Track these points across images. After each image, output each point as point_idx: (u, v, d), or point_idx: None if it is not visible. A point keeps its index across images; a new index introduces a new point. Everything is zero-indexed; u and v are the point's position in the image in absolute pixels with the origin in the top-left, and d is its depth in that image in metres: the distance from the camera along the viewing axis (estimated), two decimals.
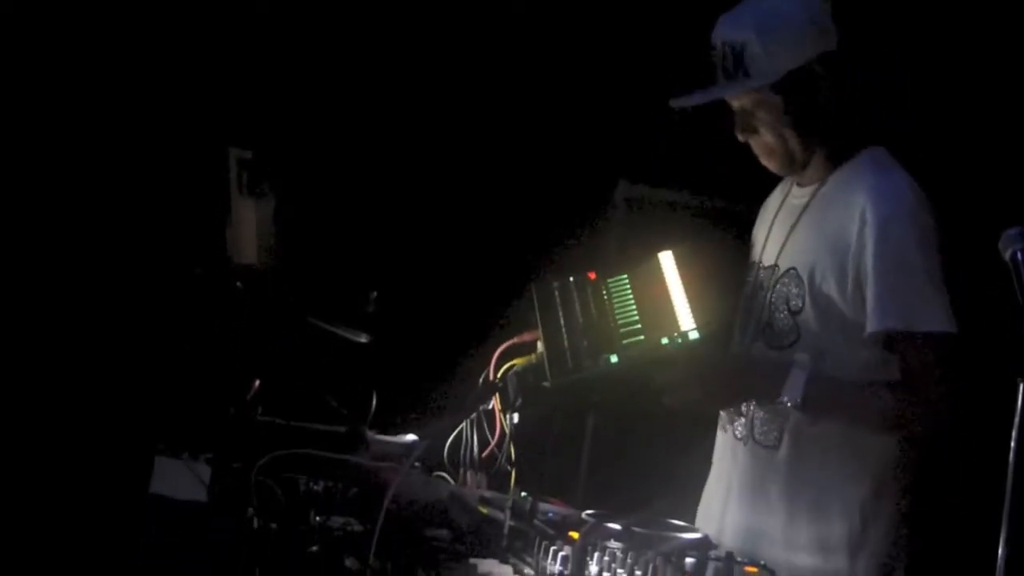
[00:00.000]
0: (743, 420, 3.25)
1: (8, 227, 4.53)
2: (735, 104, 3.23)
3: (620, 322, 3.10)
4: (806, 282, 3.13)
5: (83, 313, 4.56)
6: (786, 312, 3.16)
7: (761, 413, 3.19)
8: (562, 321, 3.17)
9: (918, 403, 3.00)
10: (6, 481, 4.20)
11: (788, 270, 3.20)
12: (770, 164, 3.28)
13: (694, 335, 2.99)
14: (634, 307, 3.12)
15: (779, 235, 3.29)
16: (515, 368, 3.15)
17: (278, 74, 4.88)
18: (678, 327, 3.00)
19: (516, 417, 3.14)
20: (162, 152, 4.74)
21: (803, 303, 3.13)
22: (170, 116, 4.75)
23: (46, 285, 4.56)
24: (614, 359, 3.03)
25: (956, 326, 3.00)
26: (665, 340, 3.00)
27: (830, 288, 3.09)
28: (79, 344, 4.52)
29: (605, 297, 3.18)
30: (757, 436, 3.20)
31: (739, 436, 3.26)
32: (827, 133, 3.20)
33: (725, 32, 3.17)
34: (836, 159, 3.20)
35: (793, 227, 3.25)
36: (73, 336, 4.54)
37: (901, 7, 4.44)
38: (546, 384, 3.06)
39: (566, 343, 3.11)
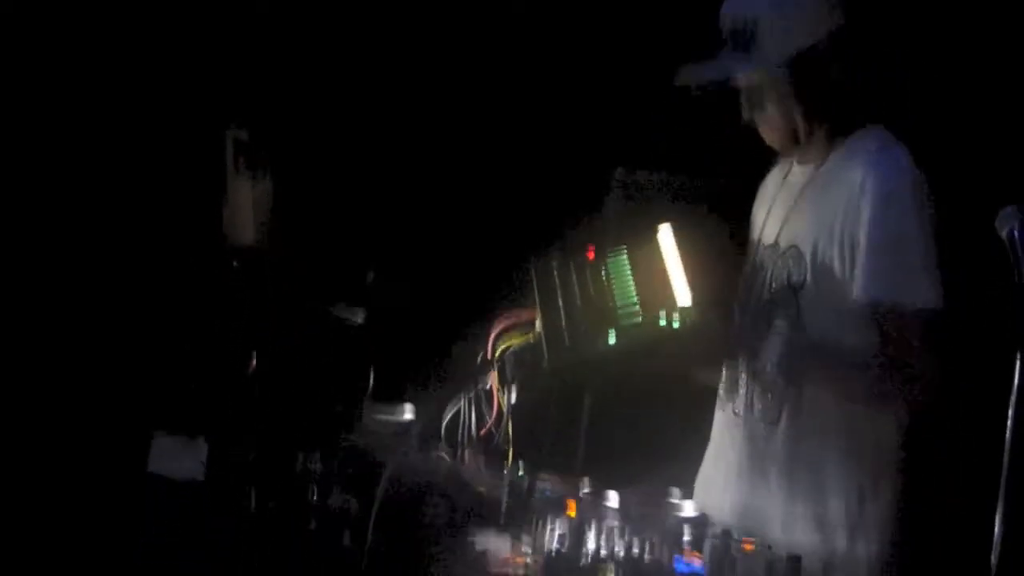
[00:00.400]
0: (742, 395, 3.26)
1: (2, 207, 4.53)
2: (742, 81, 3.23)
3: (618, 301, 3.10)
4: (807, 258, 3.13)
5: (80, 293, 4.56)
6: (788, 289, 3.16)
7: (759, 389, 3.19)
8: (560, 301, 3.17)
9: (899, 377, 3.00)
10: (4, 461, 4.20)
11: (789, 247, 3.20)
12: (773, 142, 3.28)
13: (691, 312, 2.99)
14: (632, 285, 3.11)
15: (779, 214, 3.29)
16: (512, 348, 3.16)
17: (274, 53, 4.88)
18: (675, 304, 3.00)
19: (513, 396, 3.14)
20: (159, 132, 4.73)
21: (804, 279, 3.13)
22: (166, 96, 4.75)
23: (42, 264, 4.55)
24: (612, 340, 3.03)
25: (944, 304, 3.00)
26: (662, 319, 3.00)
27: (831, 263, 3.09)
28: (76, 323, 4.52)
29: (603, 275, 3.17)
30: (757, 412, 3.21)
31: (738, 412, 3.27)
32: (833, 112, 3.20)
33: (737, 6, 3.16)
34: (837, 136, 3.20)
35: (793, 205, 3.25)
36: (70, 315, 4.54)
37: None
38: (544, 365, 3.06)
39: (564, 323, 3.11)
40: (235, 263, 3.73)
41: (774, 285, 3.21)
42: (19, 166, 4.58)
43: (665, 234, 3.13)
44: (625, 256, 3.18)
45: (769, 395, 3.17)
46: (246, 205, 3.88)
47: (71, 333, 4.52)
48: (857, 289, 3.03)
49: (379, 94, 5.03)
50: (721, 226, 3.79)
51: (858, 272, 3.03)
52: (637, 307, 3.06)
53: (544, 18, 5.06)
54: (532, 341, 3.14)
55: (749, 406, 3.23)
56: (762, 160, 3.48)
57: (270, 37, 4.87)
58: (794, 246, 3.18)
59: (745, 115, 3.25)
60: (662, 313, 3.00)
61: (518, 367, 3.12)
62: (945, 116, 4.34)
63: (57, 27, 4.62)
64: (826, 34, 3.12)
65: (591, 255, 3.24)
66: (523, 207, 5.08)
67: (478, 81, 5.10)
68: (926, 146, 3.17)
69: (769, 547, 2.72)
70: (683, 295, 3.00)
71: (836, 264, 3.08)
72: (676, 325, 2.97)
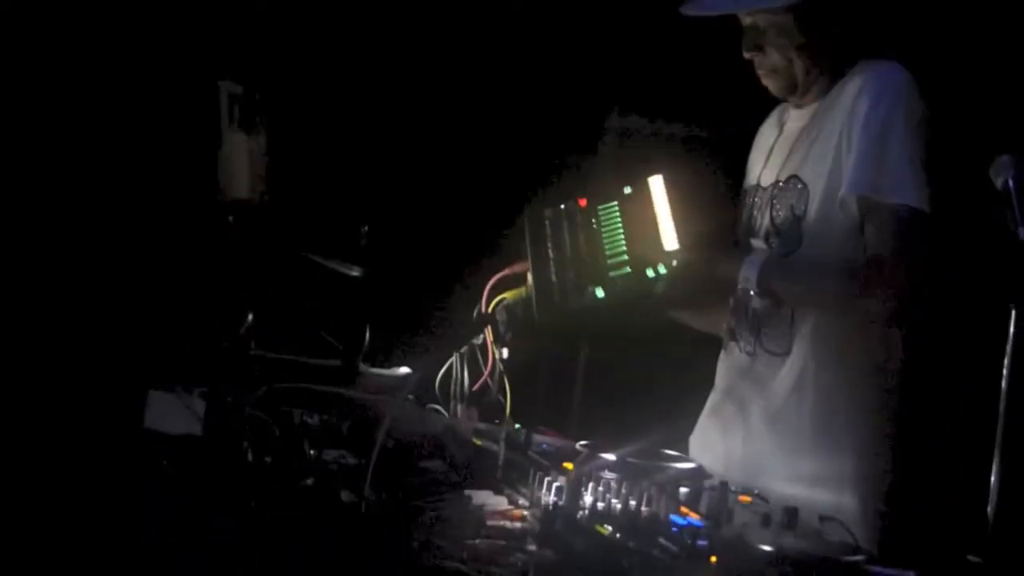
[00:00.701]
0: (745, 333, 3.25)
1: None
2: (745, 20, 3.21)
3: (608, 252, 3.10)
4: (809, 186, 3.13)
5: (75, 248, 4.56)
6: (792, 219, 3.16)
7: (768, 319, 3.19)
8: (551, 253, 3.17)
9: (878, 280, 2.99)
10: None
11: (790, 178, 3.19)
12: (771, 85, 3.26)
13: (677, 255, 3.00)
14: (622, 235, 3.11)
15: (780, 155, 3.29)
16: (505, 302, 3.16)
17: (269, 6, 4.85)
18: (664, 254, 3.00)
19: (506, 352, 3.15)
20: (153, 86, 4.71)
21: (806, 207, 3.13)
22: (160, 49, 4.73)
23: (35, 218, 4.54)
24: (600, 293, 3.03)
25: (928, 207, 2.99)
26: (650, 272, 3.00)
27: (833, 185, 3.09)
28: (71, 278, 4.52)
29: (595, 225, 3.17)
30: (766, 344, 3.20)
31: (743, 350, 3.26)
32: (833, 58, 3.18)
33: None
34: (837, 77, 3.19)
35: (795, 143, 3.24)
36: (65, 270, 4.53)
37: None
38: (535, 318, 3.07)
39: (554, 277, 3.11)
40: (230, 218, 3.72)
41: (777, 219, 3.19)
42: (10, 116, 4.56)
43: (656, 184, 3.12)
44: (616, 205, 3.18)
45: (778, 329, 3.17)
46: (241, 158, 3.87)
47: (66, 288, 4.51)
48: (844, 188, 3.03)
49: (372, 45, 5.01)
50: (716, 174, 3.79)
51: (845, 172, 3.03)
52: (626, 258, 3.06)
53: None
54: (524, 295, 3.15)
55: (758, 341, 3.22)
56: (759, 108, 3.47)
57: None
58: (795, 176, 3.17)
59: (746, 54, 3.23)
60: (650, 265, 3.00)
61: (510, 322, 3.13)
62: (943, 63, 4.32)
63: None
64: None
65: (583, 203, 3.23)
66: (517, 154, 5.08)
67: (472, 31, 5.08)
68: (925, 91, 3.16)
69: (766, 500, 2.73)
70: (670, 240, 3.00)
71: (837, 183, 3.08)
72: (663, 272, 2.97)
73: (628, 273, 3.03)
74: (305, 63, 4.90)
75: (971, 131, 3.95)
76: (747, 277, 3.07)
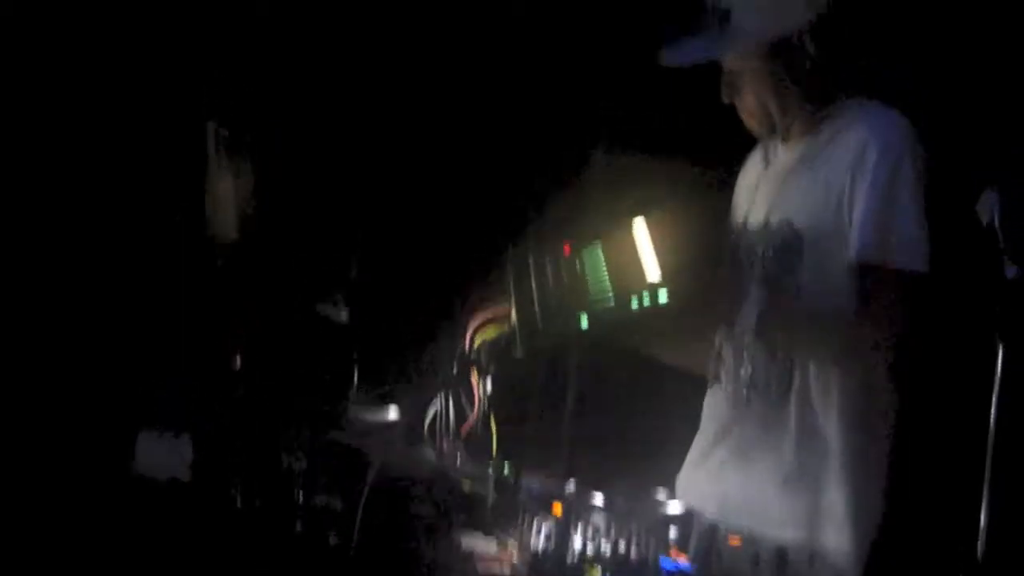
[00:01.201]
0: (737, 375, 3.25)
1: None
2: (724, 63, 3.22)
3: (592, 288, 3.10)
4: (805, 231, 3.11)
5: (64, 290, 4.55)
6: (785, 263, 3.15)
7: (763, 365, 3.18)
8: (534, 290, 3.18)
9: (873, 336, 2.99)
10: None
11: (782, 222, 3.18)
12: (751, 127, 3.27)
13: (663, 297, 2.99)
14: (606, 275, 3.11)
15: (768, 193, 3.26)
16: (488, 339, 3.16)
17: (257, 50, 4.86)
18: (647, 287, 3.00)
19: (489, 385, 3.15)
20: (143, 127, 4.72)
21: (801, 251, 3.12)
22: (150, 91, 4.73)
23: (25, 261, 4.54)
24: (584, 322, 3.03)
25: (929, 269, 2.98)
26: (635, 303, 3.00)
27: (829, 231, 3.07)
28: (60, 321, 4.51)
29: (578, 269, 3.17)
30: (760, 390, 3.19)
31: (734, 392, 3.25)
32: (811, 95, 3.19)
33: None
34: (826, 109, 3.18)
35: (784, 182, 3.22)
36: (54, 312, 4.53)
37: None
38: (518, 348, 3.07)
39: (536, 308, 3.12)
40: (218, 260, 3.72)
41: (768, 263, 3.19)
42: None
43: (639, 226, 3.13)
44: (599, 249, 3.18)
45: (773, 371, 3.16)
46: (229, 200, 3.87)
47: (55, 330, 4.51)
48: (850, 249, 3.03)
49: (358, 87, 5.02)
50: (698, 209, 3.78)
51: (853, 233, 3.03)
52: (611, 295, 3.06)
53: (521, 6, 5.05)
54: (507, 331, 3.15)
55: (749, 384, 3.21)
56: (744, 145, 3.48)
57: (252, 31, 4.86)
58: (787, 220, 3.16)
59: (725, 97, 3.24)
60: (634, 298, 3.00)
61: (492, 354, 3.12)
62: (927, 95, 4.34)
63: (45, 22, 4.60)
64: (805, 23, 3.10)
65: (567, 250, 3.24)
66: (502, 193, 5.08)
67: (456, 69, 5.09)
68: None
69: (756, 541, 2.72)
70: (654, 273, 3.00)
71: (833, 230, 3.07)
72: (647, 303, 2.97)
73: (611, 304, 3.04)
74: (292, 105, 4.91)
75: (956, 166, 3.96)
76: (746, 322, 3.06)
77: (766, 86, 3.17)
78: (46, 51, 4.59)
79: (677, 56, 3.21)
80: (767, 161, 3.34)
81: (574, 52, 5.04)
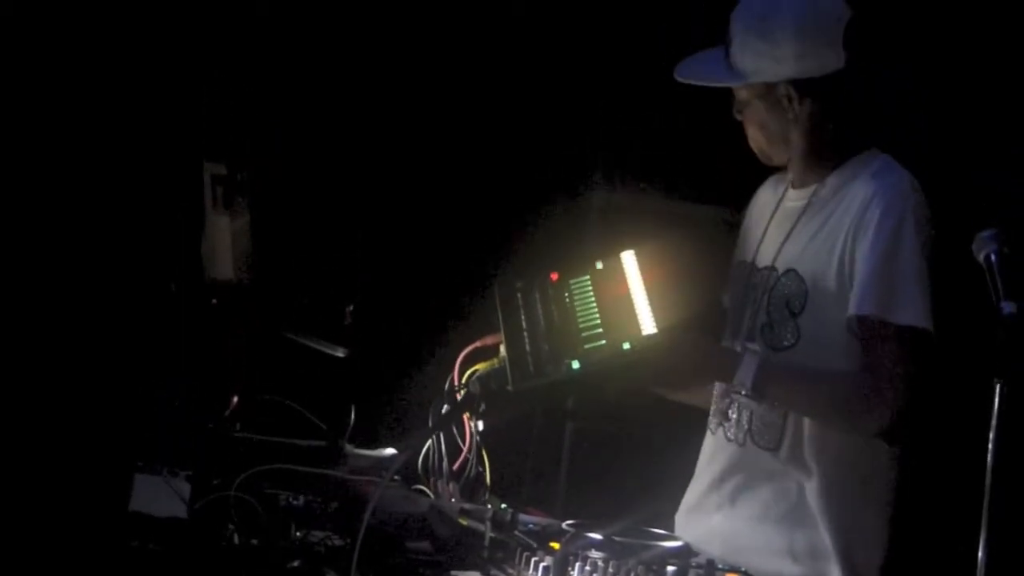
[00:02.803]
0: (734, 420, 3.24)
1: None
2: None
3: (582, 325, 3.09)
4: (808, 283, 3.12)
5: (58, 330, 4.55)
6: (786, 314, 3.15)
7: (760, 414, 3.18)
8: (524, 324, 3.17)
9: (872, 395, 2.99)
10: None
11: (787, 271, 3.18)
12: (754, 150, 3.30)
13: (654, 337, 2.99)
14: (596, 309, 3.11)
15: (776, 236, 3.27)
16: (478, 373, 3.15)
17: (252, 88, 4.88)
18: (639, 330, 3.00)
19: (481, 425, 3.14)
20: (136, 167, 4.73)
21: (803, 305, 3.13)
22: (145, 130, 4.74)
23: (22, 301, 4.54)
24: (576, 365, 3.03)
25: (932, 327, 2.99)
26: (626, 344, 3.00)
27: (831, 287, 3.08)
28: (55, 360, 4.50)
29: (567, 299, 3.17)
30: (756, 438, 3.19)
31: (731, 438, 3.25)
32: (810, 148, 3.20)
33: (735, 15, 3.19)
34: (832, 160, 3.20)
35: (792, 228, 3.23)
36: (49, 352, 4.52)
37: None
38: (509, 389, 3.06)
39: (528, 347, 3.11)
40: (214, 299, 3.72)
41: (771, 309, 3.20)
42: None
43: (629, 260, 3.13)
44: (588, 279, 3.18)
45: (769, 420, 3.16)
46: (224, 240, 3.87)
47: (50, 370, 4.50)
48: (851, 307, 3.03)
49: (355, 128, 5.04)
50: (690, 244, 3.79)
51: (854, 291, 3.03)
52: (601, 331, 3.06)
53: (521, 34, 5.07)
54: (497, 366, 3.14)
55: (747, 430, 3.21)
56: (745, 183, 3.49)
57: (247, 72, 4.87)
58: (793, 269, 3.17)
59: (735, 114, 3.27)
60: (626, 338, 3.00)
61: (483, 394, 3.12)
62: (924, 138, 4.36)
63: (38, 61, 4.61)
64: (799, 76, 3.12)
65: (554, 277, 3.23)
66: (496, 222, 5.09)
67: (451, 104, 5.10)
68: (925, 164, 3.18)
69: None
70: (647, 322, 3.00)
71: (835, 288, 3.08)
72: (639, 349, 2.97)
73: (603, 345, 3.03)
74: (288, 143, 4.92)
75: (950, 205, 3.97)
76: (743, 379, 3.04)
77: (760, 124, 3.19)
78: (44, 89, 4.61)
79: (683, 71, 3.24)
80: (778, 200, 3.34)
81: (574, 76, 5.06)
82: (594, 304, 3.12)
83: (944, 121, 4.37)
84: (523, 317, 3.18)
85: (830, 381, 3.07)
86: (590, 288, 3.16)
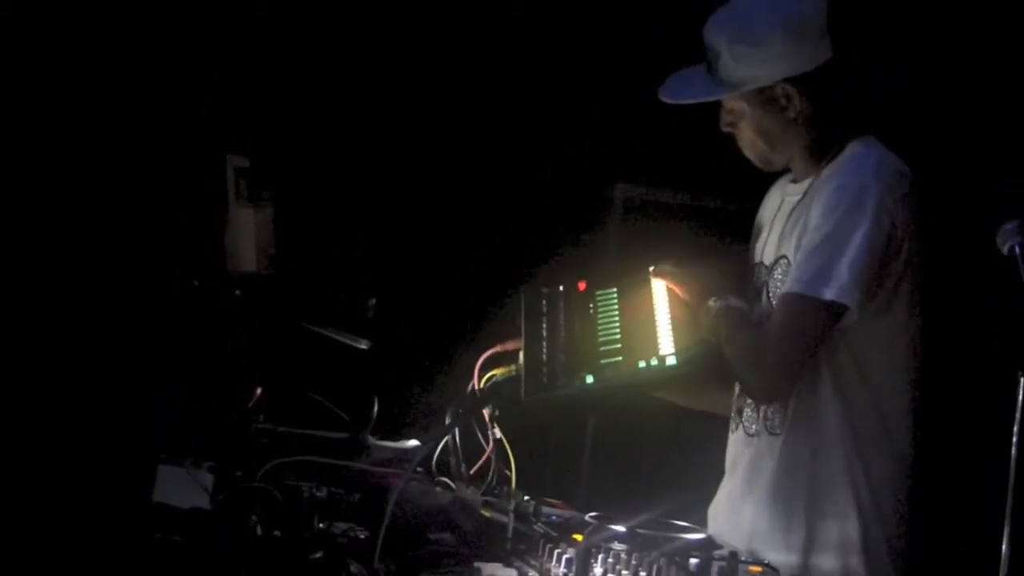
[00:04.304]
0: (749, 414, 3.24)
1: (4, 234, 4.52)
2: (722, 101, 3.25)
3: (601, 339, 3.10)
4: (793, 266, 3.13)
5: (83, 322, 4.56)
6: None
7: (769, 407, 3.18)
8: (544, 332, 3.17)
9: (757, 350, 3.02)
10: (7, 491, 4.20)
11: (780, 259, 3.19)
12: (752, 159, 3.29)
13: (671, 361, 2.99)
14: (618, 325, 3.11)
15: (776, 231, 3.29)
16: (496, 378, 3.16)
17: (274, 81, 4.88)
18: (657, 351, 3.00)
19: (498, 431, 3.15)
20: (160, 160, 4.73)
21: None
22: (167, 123, 4.75)
23: (44, 293, 4.55)
24: (589, 379, 3.03)
25: (842, 297, 2.96)
26: (642, 364, 3.00)
27: None
28: (79, 353, 4.52)
29: (591, 310, 3.17)
30: (769, 427, 3.19)
31: (751, 432, 3.25)
32: (807, 144, 3.20)
33: (710, 30, 3.19)
34: (824, 154, 3.20)
35: (786, 222, 3.24)
36: (73, 345, 4.53)
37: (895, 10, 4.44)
38: (521, 397, 3.07)
39: (545, 357, 3.11)
40: (238, 291, 3.73)
41: (772, 298, 3.20)
42: (17, 190, 4.58)
43: (658, 284, 3.14)
44: (615, 292, 3.18)
45: (779, 407, 3.16)
46: (248, 233, 3.88)
47: (75, 363, 4.51)
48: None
49: (378, 120, 5.04)
50: (718, 255, 3.78)
51: (792, 270, 3.05)
52: (619, 347, 3.06)
53: (539, 33, 5.07)
54: (513, 373, 3.15)
55: (763, 421, 3.21)
56: (765, 179, 3.48)
57: (270, 64, 4.88)
58: (784, 256, 3.17)
59: (723, 127, 3.27)
60: (642, 358, 3.00)
61: (496, 401, 3.13)
62: (941, 131, 4.34)
63: (57, 50, 4.62)
64: (793, 73, 3.12)
65: (582, 287, 3.24)
66: (523, 224, 5.08)
67: (476, 104, 5.10)
68: (922, 162, 3.17)
69: (775, 570, 2.72)
70: (667, 344, 3.00)
71: None
72: (655, 365, 2.98)
73: (619, 362, 3.03)
74: (310, 137, 4.93)
75: (972, 198, 3.96)
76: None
77: (758, 129, 3.19)
78: (64, 78, 4.61)
79: (669, 93, 3.25)
80: (783, 198, 3.35)
81: (597, 87, 5.06)
82: (617, 319, 3.12)
83: (938, 121, 4.35)
84: (544, 325, 3.19)
85: (750, 336, 3.07)
86: (615, 301, 3.17)
